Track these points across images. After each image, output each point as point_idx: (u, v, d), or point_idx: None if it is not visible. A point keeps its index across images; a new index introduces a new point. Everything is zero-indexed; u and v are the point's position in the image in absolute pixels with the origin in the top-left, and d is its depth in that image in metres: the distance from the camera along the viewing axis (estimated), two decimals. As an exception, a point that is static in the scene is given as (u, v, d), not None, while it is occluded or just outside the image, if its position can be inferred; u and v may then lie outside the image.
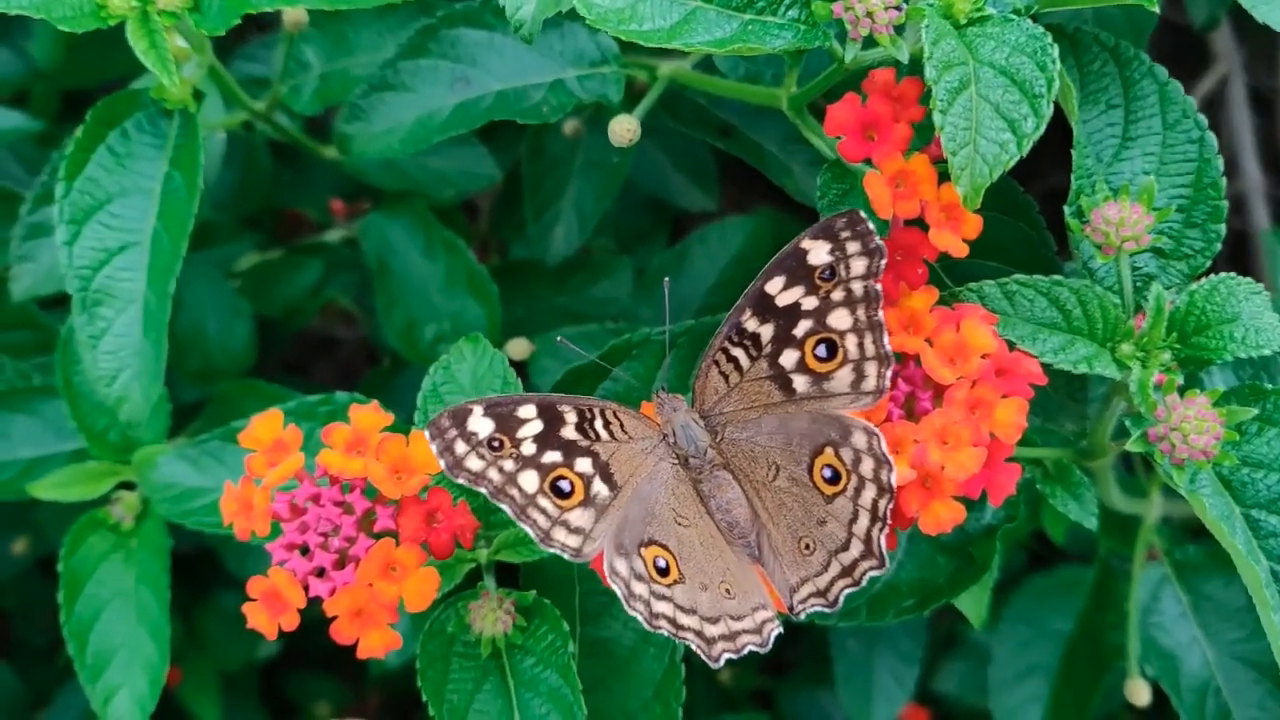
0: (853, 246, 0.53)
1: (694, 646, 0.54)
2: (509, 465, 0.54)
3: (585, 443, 0.55)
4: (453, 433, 0.53)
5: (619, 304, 0.94)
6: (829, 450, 0.54)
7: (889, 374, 0.53)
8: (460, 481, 0.53)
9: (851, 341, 0.53)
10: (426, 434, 0.53)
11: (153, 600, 0.74)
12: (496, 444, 0.53)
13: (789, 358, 0.54)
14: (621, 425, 0.56)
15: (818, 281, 0.53)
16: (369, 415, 0.57)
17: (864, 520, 0.53)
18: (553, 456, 0.54)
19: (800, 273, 0.54)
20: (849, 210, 0.53)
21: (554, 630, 0.59)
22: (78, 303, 0.68)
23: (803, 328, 0.54)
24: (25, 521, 0.99)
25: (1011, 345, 0.55)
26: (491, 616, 0.60)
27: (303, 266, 0.96)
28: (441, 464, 0.53)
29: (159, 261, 0.68)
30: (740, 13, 0.54)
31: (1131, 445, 0.54)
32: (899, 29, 0.52)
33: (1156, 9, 0.54)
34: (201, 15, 0.65)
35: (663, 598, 0.54)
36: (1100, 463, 0.65)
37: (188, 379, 0.91)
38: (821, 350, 0.54)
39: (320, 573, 0.56)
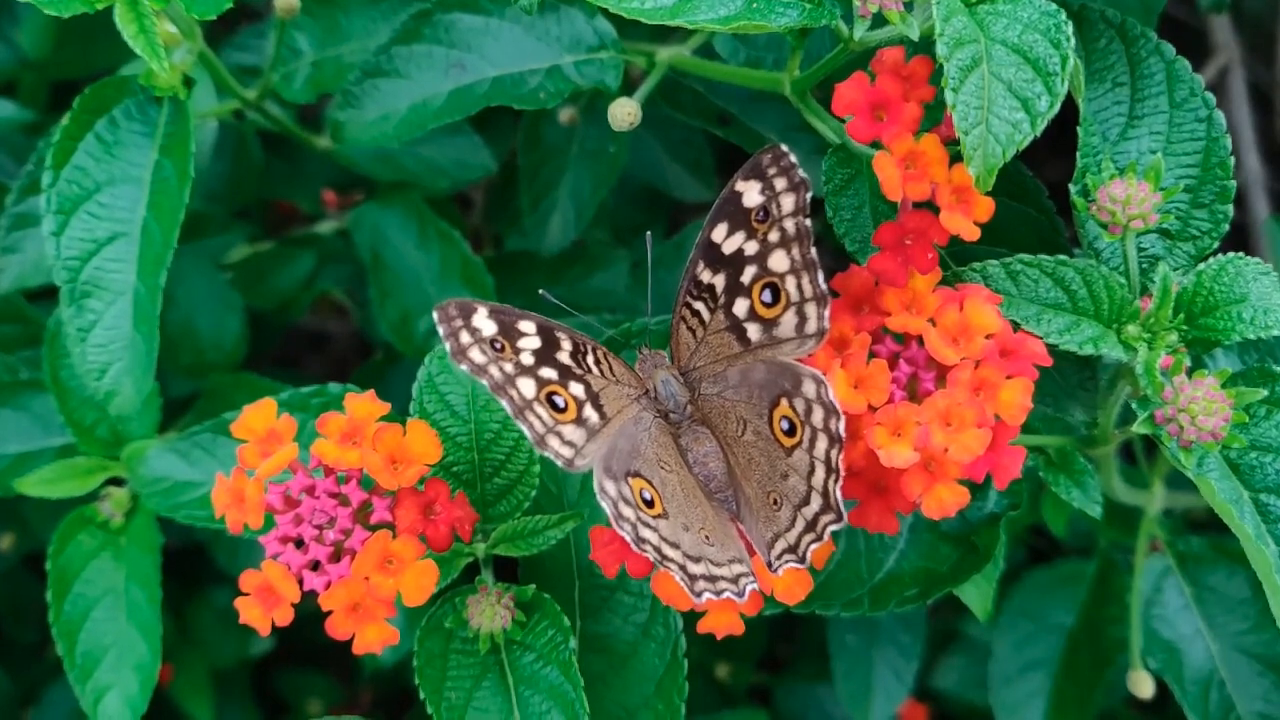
0: (780, 183, 0.52)
1: (676, 578, 0.54)
2: (509, 368, 0.54)
3: (579, 371, 0.55)
4: (459, 322, 0.53)
5: (616, 296, 0.93)
6: (784, 401, 0.53)
7: (827, 314, 0.53)
8: (462, 369, 0.53)
9: (791, 284, 0.53)
10: (435, 315, 0.53)
11: (143, 598, 0.73)
12: (498, 345, 0.53)
13: (740, 306, 0.54)
14: (611, 368, 0.56)
15: (754, 224, 0.53)
16: (365, 404, 0.56)
17: (820, 472, 0.53)
18: (548, 373, 0.54)
19: (739, 217, 0.53)
20: (772, 145, 0.52)
21: (554, 625, 0.58)
22: (66, 295, 0.67)
23: (749, 274, 0.53)
24: (12, 517, 0.98)
25: (1016, 326, 0.54)
26: (490, 611, 0.59)
27: (295, 258, 0.95)
28: (446, 346, 0.53)
29: (149, 252, 0.67)
30: (744, -11, 0.53)
31: (1138, 427, 0.54)
32: (908, 6, 0.51)
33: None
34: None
35: (648, 526, 0.54)
36: (1103, 451, 0.65)
37: (178, 373, 0.90)
38: (767, 295, 0.53)
39: (315, 566, 0.54)
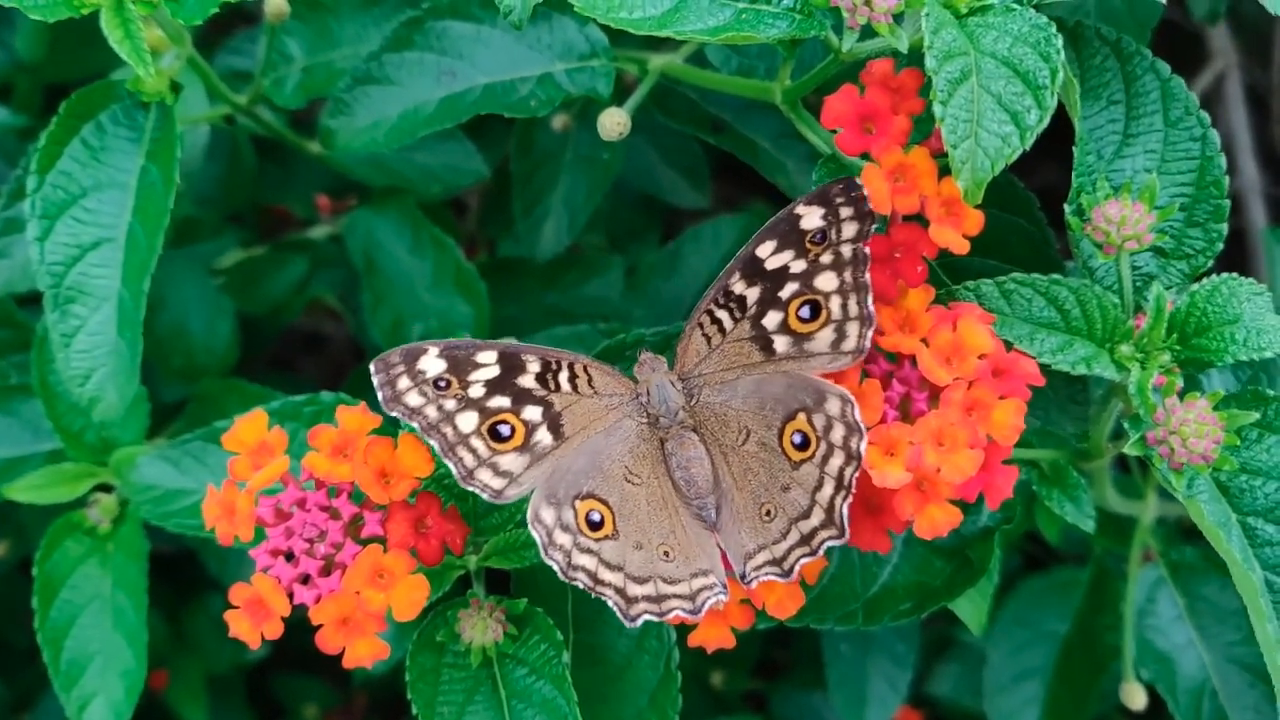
0: (845, 211, 0.53)
1: (610, 603, 0.54)
2: (450, 405, 0.54)
3: (541, 392, 0.55)
4: (399, 369, 0.54)
5: (610, 303, 0.92)
6: (801, 415, 0.54)
7: (869, 334, 0.53)
8: (394, 414, 0.54)
9: (835, 303, 0.54)
10: (371, 367, 0.54)
11: (130, 606, 0.72)
12: (443, 384, 0.54)
13: (772, 319, 0.54)
14: (589, 380, 0.56)
15: (808, 245, 0.53)
16: (356, 417, 0.56)
17: (828, 488, 0.53)
18: (499, 402, 0.54)
19: (792, 237, 0.54)
20: (845, 177, 0.53)
21: (547, 639, 0.58)
22: (50, 300, 0.67)
23: (789, 290, 0.54)
24: (7, 523, 0.97)
25: (1009, 345, 0.54)
26: (482, 625, 0.58)
27: (287, 263, 0.95)
28: (380, 395, 0.54)
29: (134, 258, 0.66)
30: (734, 0, 0.53)
31: (1130, 448, 0.53)
32: (898, 18, 0.51)
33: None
34: (178, 4, 0.63)
35: (587, 551, 0.54)
36: (1097, 464, 0.65)
37: (170, 378, 0.89)
38: (805, 311, 0.54)
39: (305, 579, 0.54)
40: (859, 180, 0.52)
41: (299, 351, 1.31)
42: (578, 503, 0.54)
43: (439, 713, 0.58)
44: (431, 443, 0.54)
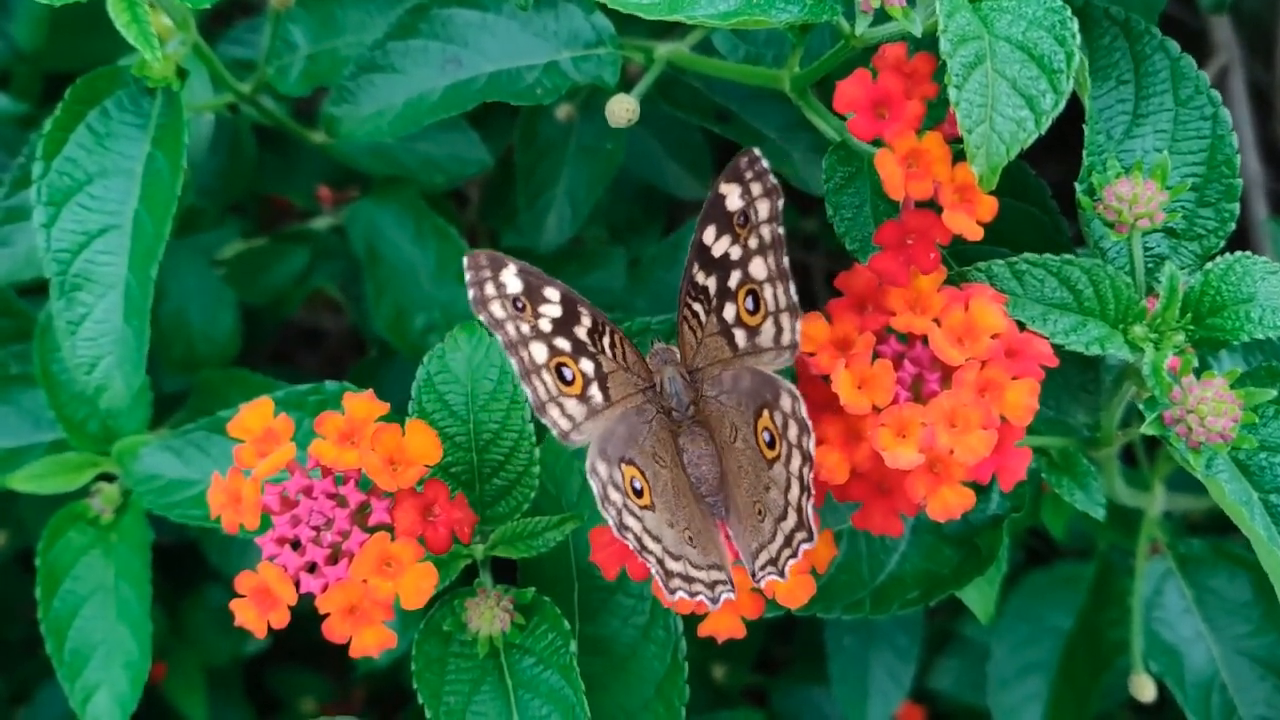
0: (756, 188, 0.51)
1: (653, 571, 0.53)
2: (525, 329, 0.53)
3: (593, 349, 0.54)
4: (487, 272, 0.53)
5: (613, 295, 0.92)
6: (766, 413, 0.53)
7: (799, 326, 0.52)
8: (480, 319, 0.53)
9: (769, 292, 0.52)
10: (465, 261, 0.53)
11: (133, 596, 0.72)
12: (520, 305, 0.53)
13: (729, 311, 0.54)
14: (625, 354, 0.55)
15: (736, 229, 0.52)
16: (364, 404, 0.55)
17: (795, 489, 0.52)
18: (562, 344, 0.54)
19: (724, 220, 0.52)
20: (747, 148, 0.52)
21: (554, 629, 0.58)
22: (56, 287, 0.66)
23: (734, 279, 0.53)
24: (6, 514, 0.97)
25: (1022, 326, 0.53)
26: (489, 614, 0.58)
27: (289, 254, 0.94)
28: (470, 294, 0.53)
29: (141, 245, 0.66)
30: (745, -16, 0.52)
31: (1147, 428, 0.53)
32: (911, 1, 0.51)
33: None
34: (185, -11, 0.63)
35: (633, 515, 0.53)
36: (1105, 452, 0.64)
37: (171, 368, 0.89)
38: (750, 303, 0.53)
39: (312, 568, 0.54)
40: (758, 151, 0.51)
41: (299, 346, 1.30)
42: (623, 466, 0.54)
43: (445, 702, 0.58)
44: (511, 362, 0.53)
